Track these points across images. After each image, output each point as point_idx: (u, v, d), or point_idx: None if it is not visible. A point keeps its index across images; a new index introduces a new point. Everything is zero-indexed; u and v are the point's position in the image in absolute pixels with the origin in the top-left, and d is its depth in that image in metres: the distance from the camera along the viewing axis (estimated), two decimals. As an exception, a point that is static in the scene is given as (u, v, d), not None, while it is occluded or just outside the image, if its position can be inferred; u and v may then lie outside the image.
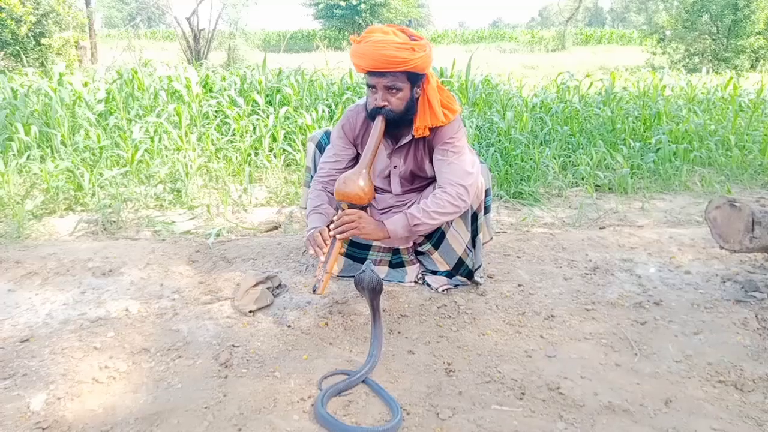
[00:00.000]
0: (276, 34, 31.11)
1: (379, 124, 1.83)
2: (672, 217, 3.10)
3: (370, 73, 1.79)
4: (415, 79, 1.81)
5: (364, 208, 1.84)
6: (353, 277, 2.13)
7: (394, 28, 1.82)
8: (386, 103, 1.80)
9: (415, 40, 1.79)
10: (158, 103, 4.41)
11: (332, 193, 1.96)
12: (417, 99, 1.85)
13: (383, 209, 2.08)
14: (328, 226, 1.88)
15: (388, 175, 2.04)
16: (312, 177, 2.13)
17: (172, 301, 1.97)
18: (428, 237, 2.04)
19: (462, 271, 2.06)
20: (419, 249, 2.10)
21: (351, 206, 1.80)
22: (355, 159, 2.02)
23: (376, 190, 2.10)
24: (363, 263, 2.11)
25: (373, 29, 1.80)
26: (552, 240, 2.59)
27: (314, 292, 1.74)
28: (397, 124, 1.87)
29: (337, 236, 1.78)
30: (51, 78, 4.81)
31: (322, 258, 1.77)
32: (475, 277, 2.05)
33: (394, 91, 1.79)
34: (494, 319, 1.87)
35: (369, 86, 1.83)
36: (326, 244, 1.79)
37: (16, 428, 1.32)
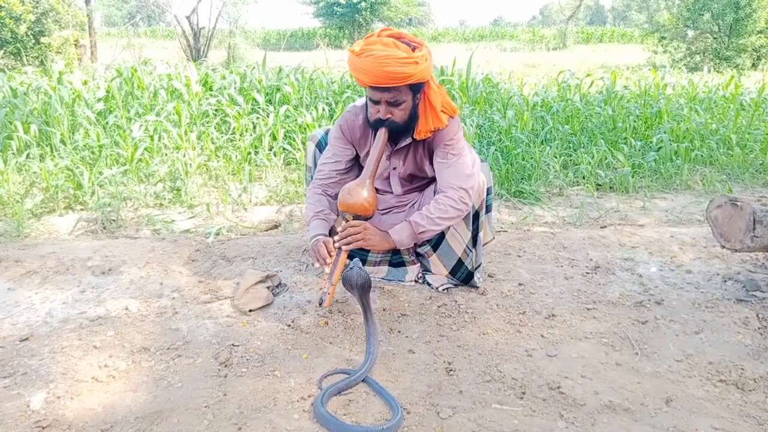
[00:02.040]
0: (276, 33, 31.09)
1: (382, 136, 1.81)
2: (673, 216, 3.10)
3: (373, 88, 1.75)
4: (417, 88, 1.79)
5: (368, 219, 1.82)
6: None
7: (393, 38, 1.76)
8: (389, 116, 1.78)
9: (415, 48, 1.75)
10: (158, 101, 4.41)
11: (332, 197, 1.95)
12: (418, 105, 1.84)
13: (384, 210, 2.07)
14: (330, 235, 1.86)
15: (388, 177, 2.03)
16: (311, 177, 2.10)
17: (171, 300, 1.96)
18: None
19: (460, 274, 2.02)
20: (418, 250, 2.08)
21: (356, 217, 1.78)
22: (354, 159, 2.01)
23: (377, 191, 2.09)
24: (364, 262, 2.11)
25: (373, 41, 1.74)
26: (553, 239, 2.59)
27: (320, 305, 1.72)
28: (401, 131, 1.86)
29: (343, 248, 1.76)
30: (50, 76, 4.81)
31: (327, 270, 1.74)
32: (474, 280, 2.03)
33: (397, 103, 1.77)
34: (495, 319, 1.87)
35: (371, 99, 1.79)
36: (331, 255, 1.77)
37: (16, 427, 1.32)
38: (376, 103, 1.78)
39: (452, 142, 1.86)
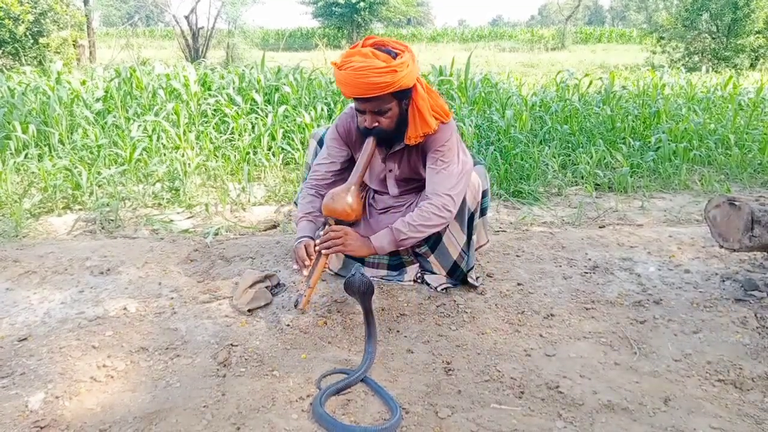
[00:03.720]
0: (275, 33, 31.08)
1: (370, 144, 1.82)
2: (671, 215, 3.10)
3: (356, 99, 1.76)
4: (402, 95, 1.78)
5: (351, 224, 1.82)
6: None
7: (374, 47, 1.76)
8: (376, 124, 1.79)
9: (396, 55, 1.73)
10: (156, 101, 4.41)
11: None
12: (407, 110, 1.83)
13: (382, 209, 2.08)
14: (313, 238, 1.87)
15: (384, 178, 2.03)
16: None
17: (170, 299, 1.96)
18: (425, 239, 2.00)
19: (457, 276, 2.03)
20: (417, 250, 2.08)
21: (338, 222, 1.79)
22: (349, 161, 2.00)
23: (375, 191, 2.09)
24: (362, 262, 2.11)
25: (352, 52, 1.73)
26: (551, 239, 2.59)
27: (296, 306, 1.73)
28: (389, 138, 1.86)
29: (323, 252, 1.77)
30: (49, 76, 4.80)
31: (305, 273, 1.75)
32: (469, 280, 2.03)
33: (382, 112, 1.77)
34: (493, 318, 1.87)
35: (357, 110, 1.80)
36: (311, 259, 1.77)
37: (15, 427, 1.32)
38: (362, 112, 1.80)
39: (443, 149, 1.83)
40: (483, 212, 2.05)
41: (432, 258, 2.04)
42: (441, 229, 1.88)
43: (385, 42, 1.79)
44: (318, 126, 4.08)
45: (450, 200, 1.80)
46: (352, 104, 1.95)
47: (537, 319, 1.87)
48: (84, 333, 1.73)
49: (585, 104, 4.95)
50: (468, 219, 1.95)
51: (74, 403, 1.40)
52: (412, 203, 2.03)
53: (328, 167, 1.98)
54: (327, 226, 1.80)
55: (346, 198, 1.77)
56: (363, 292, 1.65)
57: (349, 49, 1.80)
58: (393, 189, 2.04)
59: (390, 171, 2.00)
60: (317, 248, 1.77)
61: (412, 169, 1.97)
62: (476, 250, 2.09)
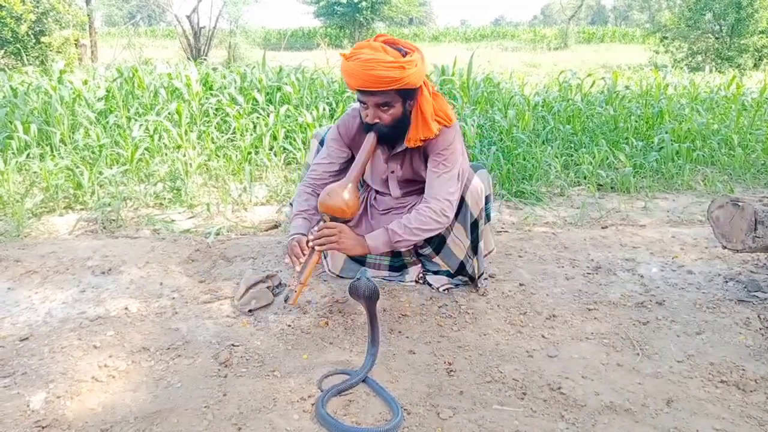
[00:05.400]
0: (276, 32, 31.10)
1: (370, 140, 1.81)
2: (674, 216, 3.09)
3: (360, 91, 1.75)
4: (407, 94, 1.77)
5: (346, 222, 1.81)
6: (351, 278, 2.12)
7: (382, 43, 1.76)
8: (378, 120, 1.78)
9: (406, 54, 1.74)
10: (158, 101, 4.41)
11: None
12: (410, 112, 1.82)
13: (384, 210, 2.07)
14: (306, 235, 1.86)
15: (386, 179, 2.02)
16: None
17: (171, 299, 1.96)
18: (428, 241, 1.99)
19: (465, 272, 2.03)
20: (420, 251, 2.08)
21: (333, 219, 1.77)
22: (349, 162, 1.99)
23: (377, 192, 2.08)
24: (363, 264, 2.11)
25: (362, 45, 1.74)
26: (554, 239, 2.58)
27: (286, 301, 1.72)
28: (391, 137, 1.85)
29: (316, 248, 1.75)
30: (51, 76, 4.81)
31: (298, 268, 1.74)
32: (479, 285, 2.04)
33: (385, 108, 1.77)
34: (495, 319, 1.87)
35: (360, 102, 1.80)
36: (304, 254, 1.76)
37: (16, 427, 1.32)
38: (364, 106, 1.79)
39: (446, 153, 1.83)
40: (487, 218, 2.05)
41: (437, 259, 2.04)
42: (437, 233, 1.87)
43: (397, 41, 1.79)
44: (320, 126, 4.08)
45: (449, 205, 1.80)
46: (355, 105, 1.94)
47: (539, 320, 1.86)
48: (85, 333, 1.73)
49: (588, 104, 4.93)
50: (471, 224, 1.95)
51: (76, 403, 1.40)
52: (413, 204, 2.02)
53: (327, 167, 1.97)
54: (322, 222, 1.79)
55: (342, 194, 1.75)
56: (368, 297, 1.63)
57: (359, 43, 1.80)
58: (395, 190, 2.03)
59: (392, 172, 1.99)
60: (311, 244, 1.75)
61: (414, 170, 1.97)
62: (484, 256, 2.08)
